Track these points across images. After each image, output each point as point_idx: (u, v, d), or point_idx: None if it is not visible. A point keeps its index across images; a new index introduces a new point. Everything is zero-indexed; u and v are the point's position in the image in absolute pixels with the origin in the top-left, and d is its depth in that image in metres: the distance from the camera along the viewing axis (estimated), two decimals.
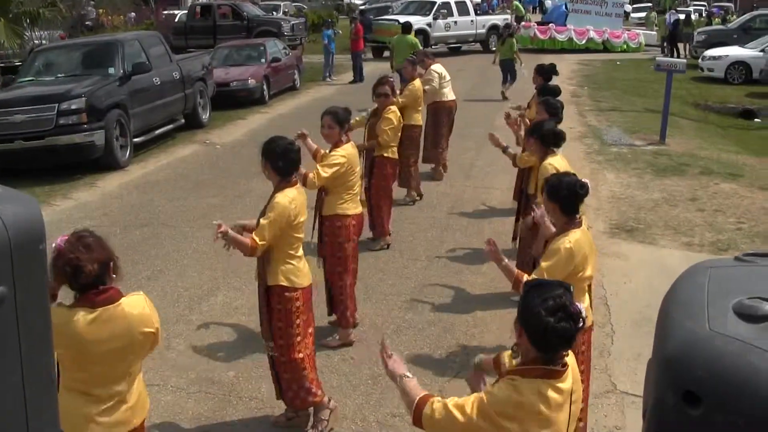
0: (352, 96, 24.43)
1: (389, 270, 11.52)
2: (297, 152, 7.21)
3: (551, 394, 3.97)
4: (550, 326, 3.91)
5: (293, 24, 41.85)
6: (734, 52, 34.96)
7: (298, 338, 7.17)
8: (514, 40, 28.70)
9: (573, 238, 6.17)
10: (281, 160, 7.02)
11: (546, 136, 8.57)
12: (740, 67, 34.12)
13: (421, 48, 24.74)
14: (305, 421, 7.54)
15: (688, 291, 2.04)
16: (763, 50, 33.17)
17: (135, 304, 4.81)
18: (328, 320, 9.42)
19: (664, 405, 1.81)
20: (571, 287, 4.16)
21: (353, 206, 8.98)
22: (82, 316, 4.61)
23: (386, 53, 38.84)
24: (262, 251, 6.92)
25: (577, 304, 4.03)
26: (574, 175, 6.57)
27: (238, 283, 11.00)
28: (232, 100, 25.69)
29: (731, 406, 1.66)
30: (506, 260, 6.32)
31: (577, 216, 6.32)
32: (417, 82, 14.03)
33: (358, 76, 31.97)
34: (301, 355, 7.20)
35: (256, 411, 7.87)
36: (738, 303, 1.86)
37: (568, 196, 6.26)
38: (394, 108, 11.82)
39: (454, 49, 42.79)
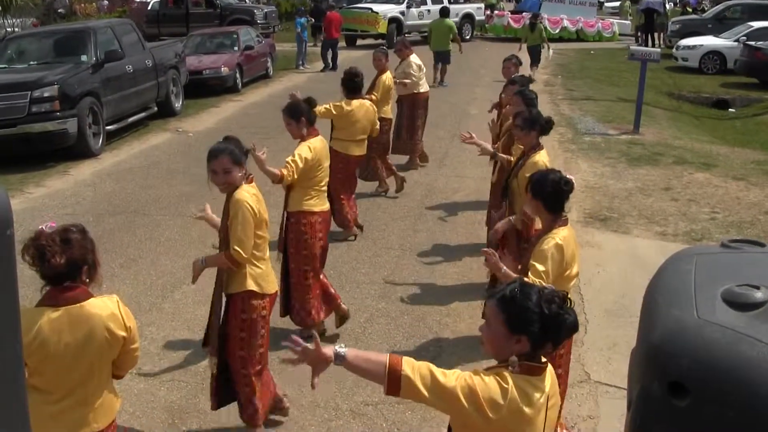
0: (324, 84, 24.43)
1: (362, 259, 11.49)
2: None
3: (532, 392, 3.86)
4: (560, 318, 3.84)
5: (266, 12, 41.67)
6: (709, 41, 35.04)
7: (261, 350, 6.89)
8: (542, 27, 30.19)
9: (561, 236, 6.15)
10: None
11: (544, 127, 8.52)
12: (714, 56, 34.22)
13: (456, 32, 27.21)
14: (285, 411, 7.48)
15: (675, 278, 2.01)
16: (737, 40, 33.26)
17: (103, 306, 4.69)
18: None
19: (649, 395, 1.77)
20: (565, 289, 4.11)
21: (320, 203, 8.72)
22: (44, 314, 4.56)
23: (359, 42, 38.86)
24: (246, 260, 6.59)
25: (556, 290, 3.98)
26: (559, 171, 6.53)
27: (210, 271, 10.87)
28: (205, 88, 25.61)
29: (720, 397, 1.63)
30: (504, 267, 6.17)
31: (564, 213, 6.30)
32: (386, 75, 13.88)
33: (333, 65, 31.87)
34: (259, 368, 6.95)
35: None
36: (727, 290, 1.83)
37: (552, 193, 6.22)
38: (345, 102, 11.67)
39: (428, 37, 42.69)
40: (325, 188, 8.86)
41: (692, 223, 12.95)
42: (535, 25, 29.59)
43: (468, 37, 42.45)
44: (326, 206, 8.90)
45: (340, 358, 3.98)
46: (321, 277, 9.04)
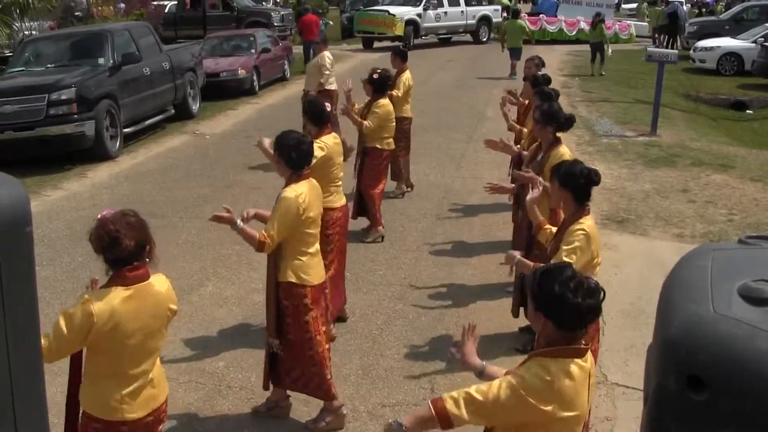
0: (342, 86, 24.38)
1: (380, 260, 11.49)
2: (309, 144, 7.13)
3: (576, 371, 4.07)
4: (580, 306, 3.98)
5: (283, 14, 41.71)
6: (726, 43, 34.91)
7: (308, 335, 7.11)
8: (603, 26, 32.11)
9: (587, 224, 6.29)
10: (294, 152, 6.92)
11: (562, 124, 8.55)
12: (732, 58, 34.07)
13: (528, 30, 31.03)
14: (285, 411, 7.58)
15: (691, 274, 2.01)
16: (754, 41, 33.11)
17: (162, 282, 5.06)
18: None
19: (666, 390, 1.77)
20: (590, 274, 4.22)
21: (338, 198, 8.89)
22: (118, 293, 4.80)
23: (376, 44, 38.84)
24: (272, 248, 6.84)
25: (589, 278, 4.12)
26: (582, 162, 6.60)
27: (227, 273, 10.97)
28: (222, 91, 25.60)
29: (737, 390, 1.63)
30: (518, 258, 6.37)
31: (587, 204, 6.35)
32: (406, 74, 13.93)
33: None
34: (311, 353, 7.17)
35: (246, 401, 7.86)
36: (743, 285, 1.83)
37: (584, 183, 6.28)
38: (385, 101, 11.81)
39: (444, 39, 42.69)
40: (340, 184, 8.97)
41: (710, 224, 12.91)
42: (596, 24, 31.95)
43: (485, 39, 42.42)
44: (343, 201, 9.04)
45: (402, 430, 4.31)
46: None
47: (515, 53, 29.67)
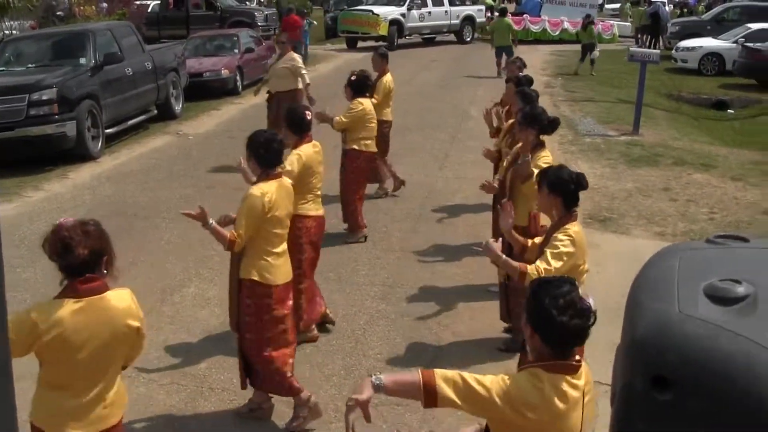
0: (326, 88, 24.37)
1: (363, 260, 11.48)
2: (280, 143, 7.16)
3: (567, 389, 3.99)
4: (564, 325, 3.92)
5: (267, 14, 41.64)
6: (708, 43, 35.10)
7: (268, 334, 7.15)
8: (593, 27, 33.51)
9: (573, 230, 6.26)
10: (264, 150, 6.99)
11: (545, 127, 8.53)
12: (713, 58, 34.26)
13: (515, 29, 32.29)
14: (268, 413, 7.57)
15: (658, 273, 2.02)
16: (736, 42, 33.28)
17: (121, 298, 4.84)
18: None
19: (632, 390, 1.78)
20: (576, 282, 4.16)
21: (313, 207, 8.79)
22: (67, 305, 4.63)
23: (360, 44, 38.80)
24: (242, 246, 6.88)
25: (585, 299, 4.03)
26: (568, 167, 6.60)
27: (210, 274, 10.96)
28: (205, 91, 25.52)
29: (702, 390, 1.63)
30: (503, 255, 6.26)
31: (575, 209, 6.35)
32: (387, 77, 13.84)
33: None
34: (269, 352, 7.18)
35: (228, 402, 7.85)
36: (709, 285, 1.83)
37: (574, 189, 6.29)
38: (361, 100, 11.75)
39: (428, 39, 42.69)
40: (319, 193, 8.90)
41: (691, 223, 12.96)
42: (586, 26, 32.96)
43: (468, 39, 42.47)
44: (320, 211, 8.94)
45: (380, 389, 4.13)
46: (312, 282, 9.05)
47: (503, 52, 29.87)
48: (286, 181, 7.29)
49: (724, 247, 2.09)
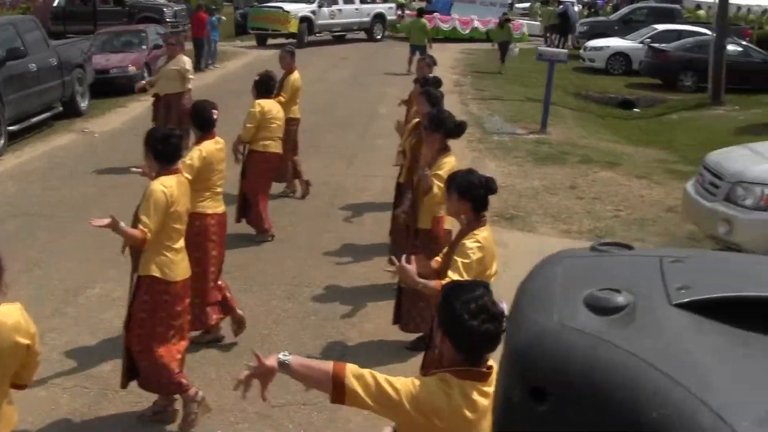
0: (234, 84, 24.26)
1: (269, 260, 11.44)
2: (178, 138, 7.16)
3: (477, 397, 3.91)
4: (475, 330, 3.84)
5: (176, 10, 41.17)
6: (615, 43, 35.81)
7: (159, 329, 7.11)
8: (510, 25, 34.70)
9: (482, 236, 6.23)
10: (161, 146, 6.98)
11: (451, 130, 8.49)
12: (620, 58, 34.94)
13: (428, 29, 32.54)
14: (172, 416, 7.51)
15: (540, 282, 2.02)
16: (642, 42, 33.91)
17: (8, 314, 4.50)
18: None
19: (511, 400, 1.78)
20: (490, 286, 4.11)
21: (212, 205, 8.70)
22: None
23: (270, 41, 38.59)
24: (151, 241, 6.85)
25: (499, 303, 3.96)
26: (477, 171, 6.58)
27: (115, 273, 10.78)
28: (112, 88, 25.08)
29: (580, 402, 1.64)
30: (422, 281, 6.05)
31: (484, 214, 6.34)
32: (294, 75, 13.77)
33: (205, 63, 31.29)
34: (156, 347, 7.12)
35: (132, 405, 7.75)
36: (589, 294, 1.84)
37: (483, 194, 6.27)
38: (260, 101, 11.69)
39: (339, 37, 42.64)
40: (220, 191, 8.83)
41: (597, 221, 13.15)
42: (503, 23, 34.15)
43: (379, 37, 42.52)
44: (220, 209, 8.86)
45: (284, 367, 4.02)
46: (219, 282, 8.95)
47: (419, 49, 29.76)
48: (183, 177, 7.29)
49: (607, 255, 2.11)
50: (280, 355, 4.06)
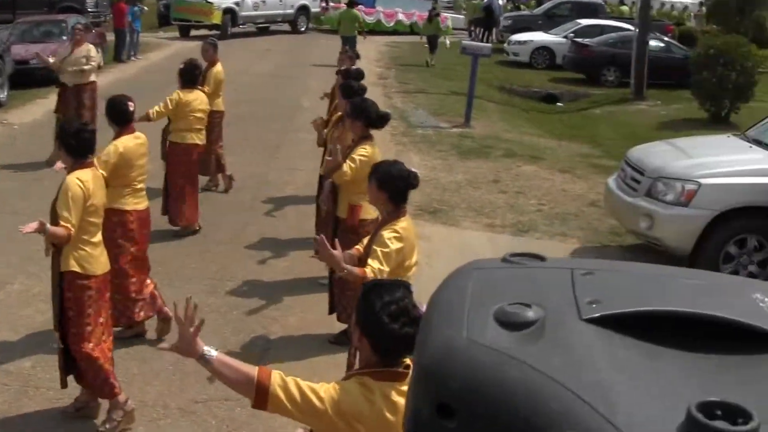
0: (157, 75, 24.02)
1: (192, 253, 11.39)
2: (91, 133, 7.13)
3: (396, 398, 3.86)
4: (395, 333, 3.80)
5: (97, 0, 40.66)
6: (539, 37, 36.15)
7: (89, 328, 7.04)
8: (439, 19, 34.78)
9: (401, 227, 6.28)
10: (74, 140, 6.93)
11: (374, 120, 8.53)
12: (544, 52, 35.24)
13: (362, 20, 32.60)
14: (95, 411, 7.47)
15: (451, 295, 2.00)
16: (565, 36, 34.24)
17: None
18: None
19: (419, 417, 1.77)
20: (412, 286, 4.07)
21: (132, 201, 8.61)
22: None
23: (193, 32, 38.26)
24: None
25: (419, 306, 3.87)
26: (402, 163, 6.61)
27: (35, 269, 10.62)
28: (32, 78, 24.69)
29: (485, 420, 1.63)
30: (346, 266, 6.07)
31: (404, 205, 6.37)
32: (217, 67, 13.66)
33: (128, 55, 31.00)
34: (91, 346, 7.06)
35: (54, 401, 7.69)
36: (499, 309, 1.82)
37: (402, 187, 6.30)
38: (178, 91, 11.61)
39: (263, 29, 42.39)
40: (140, 187, 8.73)
41: (520, 214, 13.27)
42: (432, 18, 34.04)
43: (303, 29, 42.37)
44: (141, 206, 8.77)
45: (205, 360, 4.02)
46: (148, 281, 8.87)
47: (349, 42, 29.50)
48: (98, 171, 7.26)
49: (519, 267, 2.09)
50: (205, 348, 4.05)
